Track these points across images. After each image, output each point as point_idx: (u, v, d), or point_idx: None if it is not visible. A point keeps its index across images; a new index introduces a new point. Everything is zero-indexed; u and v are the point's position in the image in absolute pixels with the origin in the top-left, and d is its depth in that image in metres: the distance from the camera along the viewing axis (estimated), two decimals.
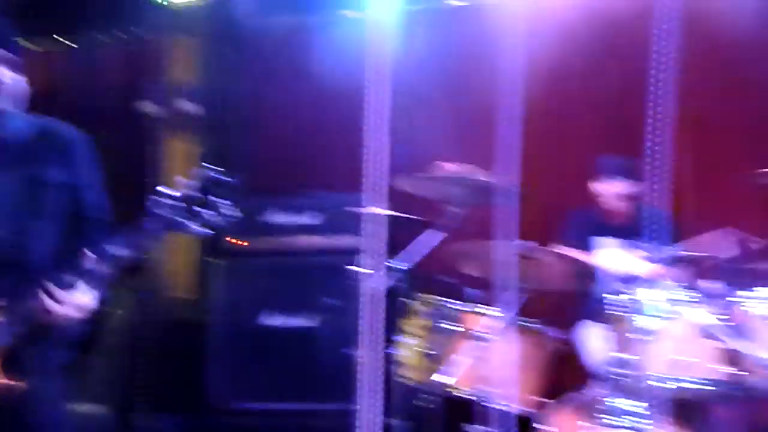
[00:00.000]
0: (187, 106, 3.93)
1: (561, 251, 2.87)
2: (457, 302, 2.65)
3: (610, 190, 3.16)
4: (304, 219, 3.36)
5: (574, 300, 3.28)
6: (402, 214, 3.03)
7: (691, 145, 3.34)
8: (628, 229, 3.15)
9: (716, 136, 3.52)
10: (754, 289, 2.41)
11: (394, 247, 2.89)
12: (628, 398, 2.36)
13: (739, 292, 2.42)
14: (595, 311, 2.68)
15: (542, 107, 3.46)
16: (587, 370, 2.98)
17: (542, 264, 2.54)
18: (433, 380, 2.47)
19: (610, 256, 3.06)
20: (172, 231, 1.63)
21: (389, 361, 2.59)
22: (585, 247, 3.19)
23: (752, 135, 3.49)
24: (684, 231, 3.07)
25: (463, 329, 2.57)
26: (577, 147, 3.69)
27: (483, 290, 2.68)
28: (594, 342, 2.90)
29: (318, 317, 3.13)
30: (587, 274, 2.70)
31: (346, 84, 3.58)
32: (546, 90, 3.49)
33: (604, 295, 2.57)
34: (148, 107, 3.89)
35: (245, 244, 3.35)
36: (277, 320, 3.23)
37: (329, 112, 3.87)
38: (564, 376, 3.13)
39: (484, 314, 2.56)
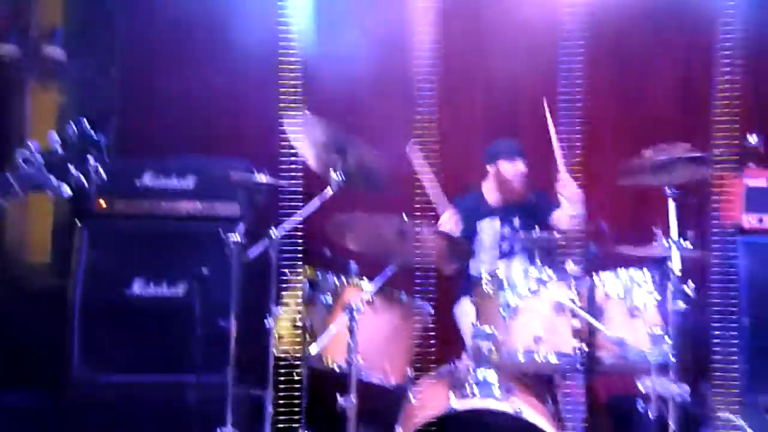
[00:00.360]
0: (55, 52, 3.68)
1: (440, 229, 3.00)
2: (336, 275, 2.70)
3: (510, 171, 3.29)
4: (180, 183, 3.27)
5: (454, 276, 3.44)
6: (285, 183, 3.05)
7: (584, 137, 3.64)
8: (519, 210, 3.31)
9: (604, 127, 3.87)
10: (614, 271, 2.66)
11: (274, 217, 2.91)
12: (489, 369, 2.54)
13: (601, 274, 2.64)
14: (470, 287, 2.83)
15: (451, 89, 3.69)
16: (463, 345, 3.16)
17: (423, 241, 2.63)
18: (308, 352, 2.51)
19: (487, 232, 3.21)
20: (33, 190, 1.56)
21: (265, 332, 2.60)
22: (471, 227, 3.32)
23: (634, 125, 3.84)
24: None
25: (339, 302, 2.61)
26: (473, 130, 3.87)
27: (362, 264, 2.73)
28: (467, 317, 3.06)
29: (191, 286, 3.08)
30: (464, 252, 2.82)
31: (241, 41, 3.55)
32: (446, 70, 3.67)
33: (476, 272, 2.73)
34: (9, 51, 3.61)
35: (113, 206, 3.22)
36: (146, 289, 3.15)
37: (220, 71, 3.74)
38: (441, 350, 3.33)
39: (361, 288, 2.62)
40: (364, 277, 2.65)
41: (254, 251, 2.58)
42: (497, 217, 3.35)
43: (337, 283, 2.68)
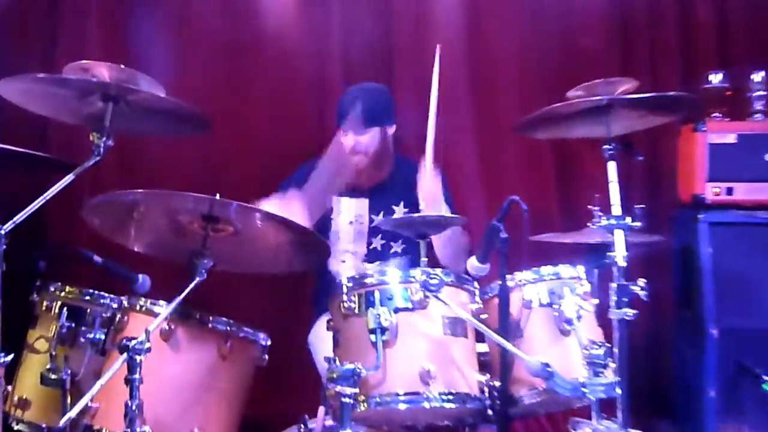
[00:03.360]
0: None
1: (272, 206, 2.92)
2: (113, 296, 2.69)
3: (364, 142, 3.31)
4: None
5: (303, 286, 3.48)
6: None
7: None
8: (381, 189, 3.36)
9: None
10: (534, 269, 2.66)
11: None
12: (357, 429, 2.48)
13: (516, 275, 2.65)
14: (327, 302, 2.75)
15: None
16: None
17: (249, 232, 2.53)
18: (68, 422, 2.38)
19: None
20: None
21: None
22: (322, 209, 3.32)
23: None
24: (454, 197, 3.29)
25: (118, 338, 2.51)
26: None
27: (156, 275, 2.72)
28: (323, 347, 2.95)
29: None
30: (316, 245, 2.71)
31: None
32: None
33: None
34: None
35: None
36: None
37: None
38: (286, 403, 3.23)
39: (153, 314, 2.58)
40: (160, 301, 2.62)
41: None
42: (364, 198, 3.40)
43: (114, 307, 2.67)
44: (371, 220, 3.36)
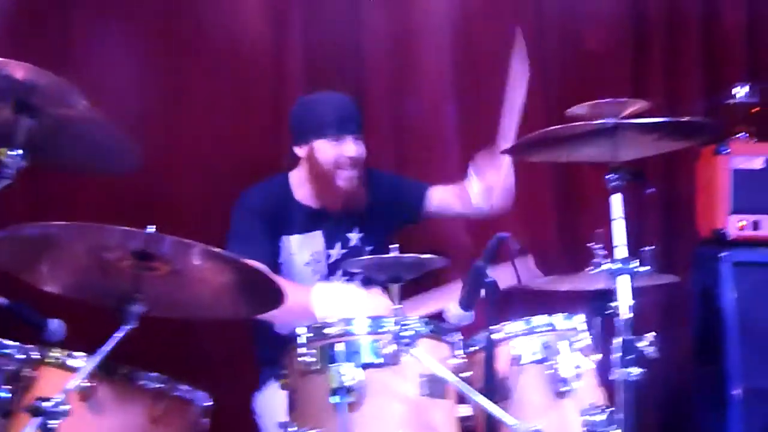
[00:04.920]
0: None
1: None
2: (21, 346, 2.64)
3: (331, 153, 3.32)
4: None
5: (251, 343, 3.46)
6: None
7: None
8: (351, 216, 3.38)
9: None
10: (526, 319, 2.69)
11: None
12: None
13: (506, 326, 2.68)
14: (280, 358, 2.76)
15: None
16: None
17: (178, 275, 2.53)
18: None
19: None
20: None
21: None
22: (272, 248, 3.34)
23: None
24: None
25: (27, 398, 2.52)
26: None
27: (74, 322, 2.72)
28: (274, 412, 2.98)
29: None
30: (266, 289, 2.69)
31: None
32: None
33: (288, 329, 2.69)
34: None
35: None
36: None
37: None
38: None
39: (70, 369, 2.56)
40: (77, 353, 2.60)
41: None
42: (319, 230, 3.39)
43: (19, 359, 2.62)
44: (328, 256, 3.38)
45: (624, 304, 2.58)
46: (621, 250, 2.63)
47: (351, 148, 3.31)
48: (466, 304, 2.74)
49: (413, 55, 3.97)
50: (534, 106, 3.83)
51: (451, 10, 4.01)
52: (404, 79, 3.92)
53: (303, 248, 3.39)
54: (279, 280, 2.72)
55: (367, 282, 3.25)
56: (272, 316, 2.97)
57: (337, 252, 3.39)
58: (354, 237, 3.39)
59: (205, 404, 2.72)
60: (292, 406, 2.61)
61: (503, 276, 2.74)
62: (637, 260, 2.62)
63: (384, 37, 3.98)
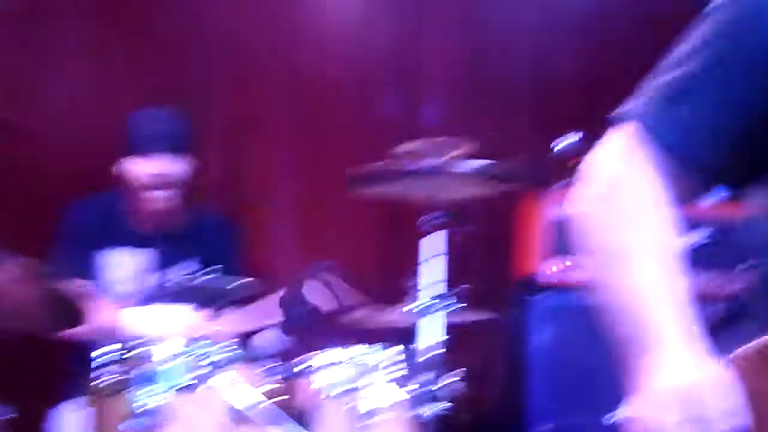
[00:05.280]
0: None
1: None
2: None
3: (137, 171, 3.25)
4: None
5: (58, 357, 3.31)
6: None
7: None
8: (173, 238, 3.32)
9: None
10: (335, 350, 2.68)
11: None
12: None
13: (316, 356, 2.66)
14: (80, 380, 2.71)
15: None
16: None
17: None
18: None
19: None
20: None
21: None
22: (88, 265, 3.26)
23: None
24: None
25: None
26: None
27: None
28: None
29: None
30: (67, 308, 2.66)
31: None
32: None
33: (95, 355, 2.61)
34: None
35: None
36: None
37: None
38: None
39: None
40: None
41: None
42: (144, 249, 3.34)
43: None
44: (150, 275, 3.28)
45: (429, 340, 2.64)
46: (431, 289, 2.68)
47: (157, 165, 3.22)
48: (286, 329, 2.74)
49: None
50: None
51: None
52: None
53: (124, 266, 3.32)
54: (90, 297, 2.68)
55: (186, 303, 3.15)
56: (77, 333, 2.88)
57: (159, 272, 3.28)
58: (179, 259, 3.29)
59: (8, 417, 2.65)
60: (96, 426, 2.55)
61: (323, 303, 2.76)
62: (454, 297, 2.67)
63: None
